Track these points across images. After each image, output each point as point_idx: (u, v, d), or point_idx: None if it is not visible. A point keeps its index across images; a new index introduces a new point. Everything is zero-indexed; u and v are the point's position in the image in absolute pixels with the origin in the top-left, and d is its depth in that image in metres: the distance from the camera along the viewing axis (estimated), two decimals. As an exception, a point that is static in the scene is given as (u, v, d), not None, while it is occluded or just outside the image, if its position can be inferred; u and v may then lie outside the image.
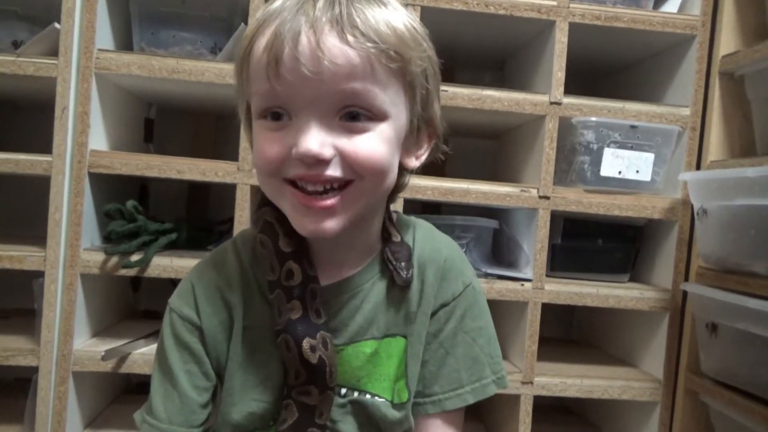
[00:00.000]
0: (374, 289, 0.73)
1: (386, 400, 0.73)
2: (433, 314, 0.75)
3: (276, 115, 0.63)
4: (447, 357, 0.75)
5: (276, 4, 0.63)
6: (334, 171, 0.62)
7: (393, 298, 0.73)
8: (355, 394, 0.72)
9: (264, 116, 0.64)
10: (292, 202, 0.64)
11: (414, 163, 0.72)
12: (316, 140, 0.61)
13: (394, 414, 0.73)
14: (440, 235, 0.79)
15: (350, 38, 0.60)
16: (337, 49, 0.59)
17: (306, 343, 0.67)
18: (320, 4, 0.60)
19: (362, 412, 0.73)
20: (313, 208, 0.63)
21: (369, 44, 0.60)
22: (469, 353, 0.76)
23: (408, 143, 0.70)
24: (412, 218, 0.80)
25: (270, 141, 0.63)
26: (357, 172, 0.63)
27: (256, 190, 1.33)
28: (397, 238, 0.74)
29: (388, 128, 0.64)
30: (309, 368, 0.68)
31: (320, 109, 0.61)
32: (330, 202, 0.63)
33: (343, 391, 0.72)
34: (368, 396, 0.72)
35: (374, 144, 0.63)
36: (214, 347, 0.72)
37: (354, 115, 0.62)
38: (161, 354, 0.72)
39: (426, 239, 0.77)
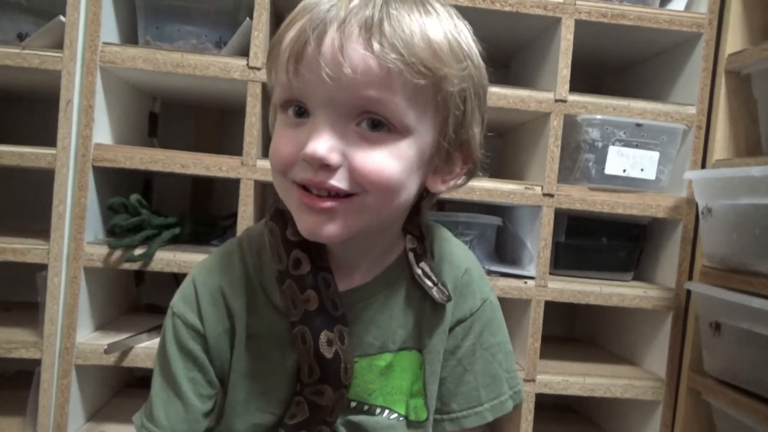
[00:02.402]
0: (389, 301, 0.71)
1: (399, 415, 0.71)
2: (450, 330, 0.73)
3: (299, 111, 0.61)
4: (465, 374, 0.73)
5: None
6: (338, 182, 0.59)
7: (408, 311, 0.71)
8: (364, 408, 0.70)
9: (284, 109, 0.62)
10: (297, 200, 0.62)
11: (440, 186, 0.68)
12: (326, 144, 0.58)
13: None
14: (459, 247, 0.77)
15: (376, 46, 0.56)
16: (360, 56, 0.56)
17: (323, 336, 0.65)
18: (355, 2, 0.57)
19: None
20: (314, 208, 0.61)
21: (394, 56, 0.56)
22: (488, 370, 0.74)
23: (436, 165, 0.66)
24: (431, 224, 0.77)
25: (285, 138, 0.62)
26: (362, 186, 0.60)
27: (259, 186, 1.33)
28: (429, 254, 0.72)
29: (408, 146, 0.60)
30: (323, 363, 0.66)
31: (336, 111, 0.59)
32: (330, 204, 0.60)
33: (353, 404, 0.70)
34: (378, 411, 0.70)
35: (386, 159, 0.60)
36: (218, 355, 0.70)
37: (375, 123, 0.59)
38: (163, 360, 0.71)
39: (444, 251, 0.75)
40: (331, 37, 0.56)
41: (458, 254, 0.75)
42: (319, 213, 0.61)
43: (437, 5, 0.62)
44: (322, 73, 0.57)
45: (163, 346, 0.71)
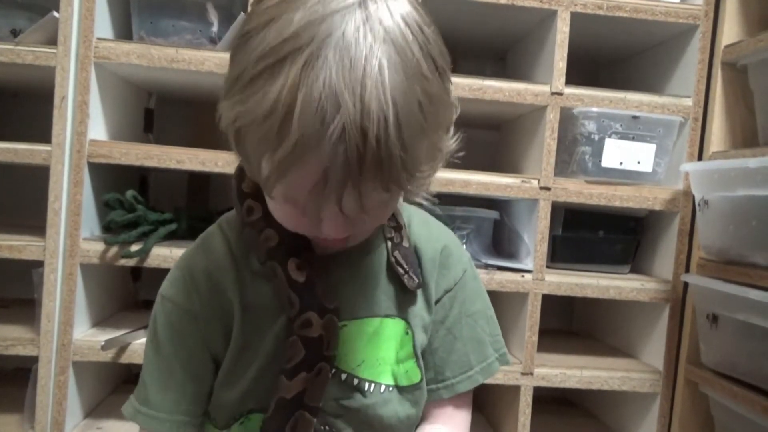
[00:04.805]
0: (374, 268, 0.73)
1: (388, 385, 0.72)
2: (438, 301, 0.75)
3: None
4: (455, 342, 0.76)
5: (300, 124, 0.52)
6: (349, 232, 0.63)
7: (391, 279, 0.73)
8: (354, 382, 0.71)
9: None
10: (313, 239, 0.67)
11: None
12: (342, 228, 0.60)
13: (397, 409, 0.72)
14: (436, 223, 0.80)
15: (393, 188, 0.57)
16: (378, 200, 0.58)
17: (291, 263, 0.67)
18: (367, 165, 0.53)
19: (359, 420, 0.72)
20: (331, 244, 0.66)
21: (408, 183, 0.58)
22: (474, 335, 0.77)
23: None
24: (407, 206, 0.80)
25: (291, 212, 0.61)
26: (365, 232, 0.67)
27: (255, 180, 1.32)
28: (406, 243, 0.74)
29: (399, 191, 0.63)
30: (298, 289, 0.66)
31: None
32: (342, 242, 0.65)
33: (344, 376, 0.71)
34: (366, 386, 0.71)
35: (386, 212, 0.65)
36: (212, 333, 0.71)
37: None
38: (156, 345, 0.71)
39: (422, 227, 0.77)
40: (349, 197, 0.55)
41: (435, 233, 0.78)
42: (334, 245, 0.67)
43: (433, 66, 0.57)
44: (342, 217, 0.58)
45: (154, 332, 0.71)
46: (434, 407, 0.77)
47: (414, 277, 0.71)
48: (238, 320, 0.70)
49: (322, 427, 0.70)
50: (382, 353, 0.72)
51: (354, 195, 0.55)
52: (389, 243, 0.73)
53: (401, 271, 0.71)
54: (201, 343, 0.71)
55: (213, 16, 1.39)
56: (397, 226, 0.74)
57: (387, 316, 0.73)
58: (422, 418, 0.77)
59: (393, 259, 0.72)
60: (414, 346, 0.74)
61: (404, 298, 0.73)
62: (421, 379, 0.74)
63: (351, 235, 0.64)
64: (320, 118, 0.51)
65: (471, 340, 0.76)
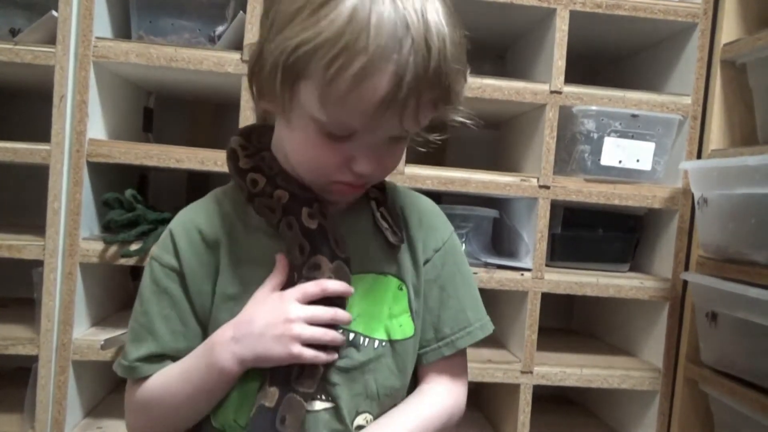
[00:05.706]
0: (363, 224, 0.76)
1: (381, 340, 0.73)
2: (427, 261, 0.78)
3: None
4: (449, 299, 0.78)
5: (377, 37, 0.59)
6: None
7: (380, 237, 0.75)
8: (350, 337, 0.72)
9: (324, 131, 0.66)
10: (336, 190, 0.71)
11: None
12: (374, 164, 0.67)
13: (389, 365, 0.74)
14: (418, 195, 0.84)
15: (440, 104, 0.66)
16: (429, 118, 0.67)
17: (304, 212, 0.70)
18: (430, 75, 0.62)
19: (354, 382, 0.73)
20: (345, 192, 0.71)
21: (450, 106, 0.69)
22: (470, 293, 0.80)
23: None
24: (391, 182, 0.83)
25: (325, 149, 0.66)
26: (381, 174, 0.73)
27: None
28: (390, 202, 0.78)
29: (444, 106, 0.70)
30: (310, 236, 0.69)
31: (383, 138, 0.67)
32: (362, 189, 0.73)
33: (339, 331, 0.72)
34: (361, 340, 0.73)
35: (400, 154, 0.72)
36: (198, 290, 0.73)
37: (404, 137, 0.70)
38: (139, 304, 0.74)
39: (405, 193, 0.82)
40: (412, 108, 0.63)
41: (418, 198, 0.83)
42: (354, 193, 0.73)
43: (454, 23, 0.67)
44: (395, 130, 0.65)
45: (139, 291, 0.75)
46: (433, 370, 0.78)
47: (397, 231, 0.75)
48: (225, 271, 0.72)
49: (319, 396, 0.71)
50: (376, 308, 0.74)
51: (414, 106, 0.62)
52: (374, 203, 0.77)
53: (385, 225, 0.75)
54: (184, 300, 0.73)
55: (229, 15, 1.39)
56: (381, 187, 0.78)
57: (380, 272, 0.75)
58: (420, 381, 0.79)
59: (378, 215, 0.75)
60: (409, 301, 0.76)
61: (393, 255, 0.76)
62: (415, 333, 0.76)
63: (365, 183, 0.70)
64: (393, 32, 0.59)
65: (469, 297, 0.79)
